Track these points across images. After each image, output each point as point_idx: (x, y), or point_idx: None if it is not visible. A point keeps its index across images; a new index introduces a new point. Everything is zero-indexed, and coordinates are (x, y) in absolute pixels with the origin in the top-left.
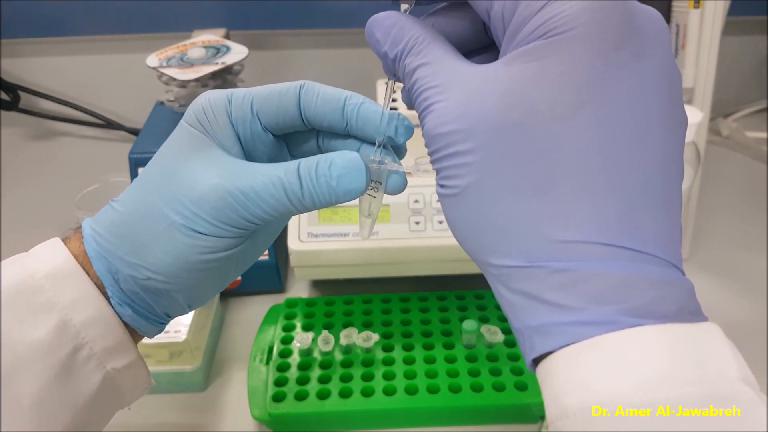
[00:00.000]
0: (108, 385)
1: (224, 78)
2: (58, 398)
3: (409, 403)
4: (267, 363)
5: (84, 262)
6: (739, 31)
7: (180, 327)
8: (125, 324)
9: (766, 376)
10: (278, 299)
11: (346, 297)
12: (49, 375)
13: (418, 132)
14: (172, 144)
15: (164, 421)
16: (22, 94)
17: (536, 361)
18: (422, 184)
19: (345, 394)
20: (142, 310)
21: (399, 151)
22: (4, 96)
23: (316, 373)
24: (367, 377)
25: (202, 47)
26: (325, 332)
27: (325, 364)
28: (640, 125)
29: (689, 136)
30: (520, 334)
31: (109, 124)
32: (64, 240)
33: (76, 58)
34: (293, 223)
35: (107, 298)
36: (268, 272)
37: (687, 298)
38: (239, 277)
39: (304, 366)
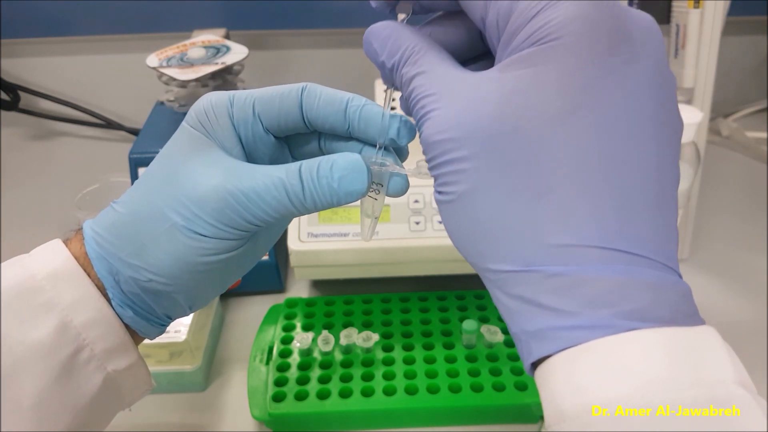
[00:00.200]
0: (108, 387)
1: (224, 78)
2: (58, 399)
3: (409, 403)
4: (267, 363)
5: (85, 263)
6: (739, 31)
7: (180, 327)
8: (126, 325)
9: (766, 377)
10: (278, 299)
11: (346, 297)
12: (50, 376)
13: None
14: (173, 145)
15: (164, 421)
16: (22, 94)
17: (534, 365)
18: (422, 185)
19: (345, 394)
20: (142, 311)
21: (401, 153)
22: (4, 96)
23: (316, 373)
24: (367, 377)
25: (202, 47)
26: (325, 332)
27: (325, 364)
28: (633, 130)
29: (689, 136)
30: (517, 339)
31: (109, 124)
32: (65, 241)
33: (76, 58)
34: (293, 223)
35: (108, 300)
36: (268, 272)
37: (683, 301)
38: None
39: (304, 366)
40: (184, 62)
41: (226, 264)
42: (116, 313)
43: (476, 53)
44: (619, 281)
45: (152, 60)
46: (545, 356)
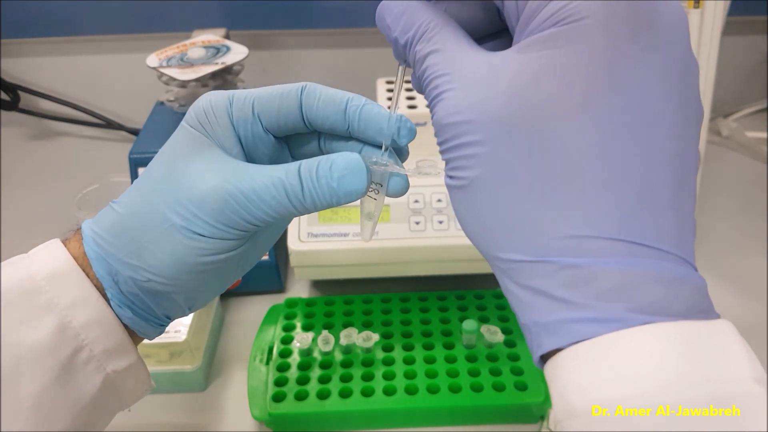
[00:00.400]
0: (108, 387)
1: (224, 78)
2: (58, 400)
3: (409, 403)
4: (267, 363)
5: (84, 263)
6: (739, 31)
7: (180, 327)
8: (125, 326)
9: (766, 377)
10: (278, 299)
11: (346, 297)
12: (49, 376)
13: (420, 135)
14: (172, 145)
15: (164, 421)
16: (22, 94)
17: (544, 357)
18: (422, 185)
19: (345, 394)
20: (142, 312)
21: (401, 154)
22: (4, 96)
23: (316, 373)
24: (367, 377)
25: (202, 47)
26: (325, 332)
27: (325, 364)
28: (653, 118)
29: None
30: (527, 330)
31: (109, 124)
32: (64, 241)
33: (76, 58)
34: (293, 223)
35: (107, 300)
36: (268, 272)
37: (698, 295)
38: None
39: (304, 366)
40: (184, 62)
41: (226, 264)
42: (115, 313)
43: (494, 31)
44: (632, 275)
45: (152, 60)
46: (555, 349)
